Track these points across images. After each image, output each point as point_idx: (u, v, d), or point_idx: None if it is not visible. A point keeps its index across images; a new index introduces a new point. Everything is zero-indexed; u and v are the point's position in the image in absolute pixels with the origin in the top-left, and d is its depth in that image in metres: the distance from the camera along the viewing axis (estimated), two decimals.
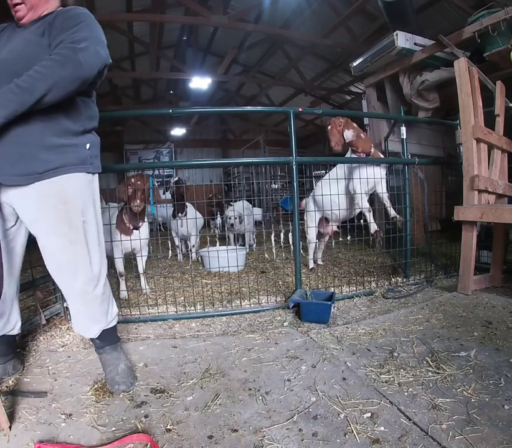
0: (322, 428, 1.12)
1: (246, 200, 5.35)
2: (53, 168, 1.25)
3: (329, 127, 2.84)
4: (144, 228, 2.75)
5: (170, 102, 9.42)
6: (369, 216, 2.76)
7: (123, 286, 2.76)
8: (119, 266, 2.74)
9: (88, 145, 1.34)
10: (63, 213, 1.28)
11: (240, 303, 2.44)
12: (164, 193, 5.27)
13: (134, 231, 2.66)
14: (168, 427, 1.16)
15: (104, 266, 1.41)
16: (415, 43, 3.61)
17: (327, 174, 3.16)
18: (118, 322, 2.17)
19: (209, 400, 1.31)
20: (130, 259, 3.07)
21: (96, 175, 1.42)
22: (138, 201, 2.52)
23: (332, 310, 2.16)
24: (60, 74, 1.12)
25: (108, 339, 1.47)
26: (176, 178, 3.90)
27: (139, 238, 2.59)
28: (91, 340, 1.48)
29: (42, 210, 1.27)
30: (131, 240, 2.60)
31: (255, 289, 2.76)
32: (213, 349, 1.75)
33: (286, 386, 1.38)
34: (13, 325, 1.48)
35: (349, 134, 2.76)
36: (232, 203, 4.96)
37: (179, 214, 3.96)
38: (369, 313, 2.24)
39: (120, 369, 1.41)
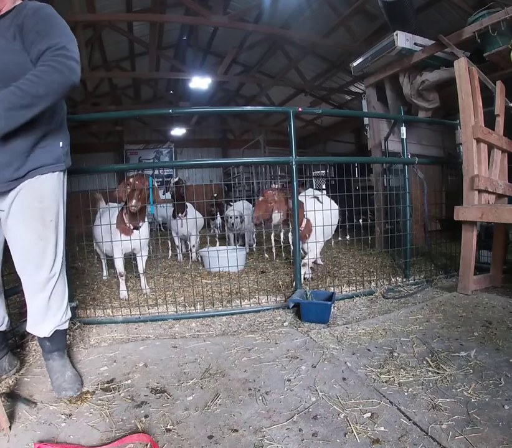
0: (322, 428, 1.12)
1: (246, 200, 5.35)
2: (32, 169, 1.30)
3: (260, 199, 2.83)
4: (144, 228, 2.75)
5: (170, 102, 9.42)
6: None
7: (122, 286, 2.75)
8: (119, 265, 2.74)
9: (61, 143, 1.38)
10: (37, 212, 1.33)
11: (240, 303, 2.44)
12: (164, 194, 5.26)
13: (135, 231, 2.66)
14: (168, 427, 1.16)
15: (62, 266, 1.44)
16: (415, 43, 3.61)
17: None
18: (118, 322, 2.20)
19: (209, 400, 1.31)
20: (130, 259, 3.07)
21: (66, 170, 1.46)
22: (134, 201, 2.51)
23: (332, 310, 2.16)
24: (59, 82, 1.16)
25: (58, 342, 1.48)
26: (176, 179, 3.90)
27: (139, 238, 2.59)
28: (41, 342, 1.47)
29: (18, 207, 1.32)
30: (131, 240, 2.61)
31: (255, 288, 2.76)
32: (213, 349, 1.75)
33: (286, 386, 1.38)
34: (1, 321, 1.49)
35: (276, 217, 2.80)
36: (231, 203, 4.96)
37: (179, 215, 3.96)
38: (369, 313, 2.24)
39: (67, 376, 1.40)
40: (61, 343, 1.50)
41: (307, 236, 2.86)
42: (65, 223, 1.46)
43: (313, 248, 2.92)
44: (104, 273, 3.51)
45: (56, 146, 1.36)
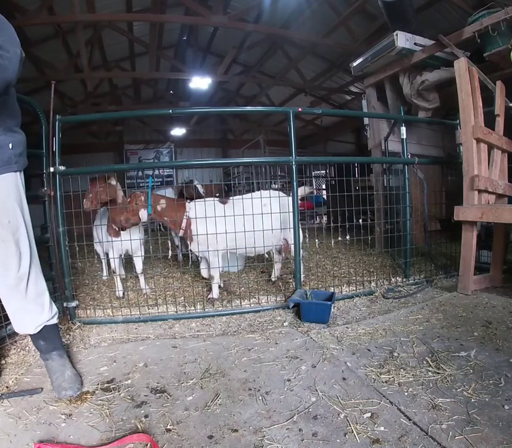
0: (322, 428, 1.12)
1: None
2: None
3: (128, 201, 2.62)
4: (135, 229, 2.72)
5: (171, 102, 9.42)
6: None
7: (119, 285, 2.78)
8: (115, 265, 2.78)
9: (10, 145, 1.37)
10: None
11: (240, 303, 2.44)
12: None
13: (122, 231, 2.64)
14: (168, 427, 1.16)
15: (34, 263, 1.44)
16: (415, 43, 3.61)
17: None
18: (118, 322, 2.20)
19: (209, 400, 1.31)
20: (130, 259, 3.07)
21: (22, 171, 1.46)
22: (85, 200, 2.51)
23: (332, 310, 2.16)
24: None
25: (53, 340, 1.49)
26: (188, 180, 3.90)
27: (130, 239, 2.55)
28: (36, 343, 1.48)
29: None
30: (121, 241, 2.61)
31: (255, 288, 2.76)
32: (213, 349, 1.75)
33: (286, 386, 1.38)
34: None
35: (144, 214, 2.54)
36: None
37: None
38: (369, 313, 2.24)
39: (66, 376, 1.42)
40: (55, 341, 1.51)
41: (191, 238, 2.58)
42: (27, 225, 1.44)
43: (212, 257, 2.59)
44: (104, 273, 3.51)
45: (5, 148, 1.36)
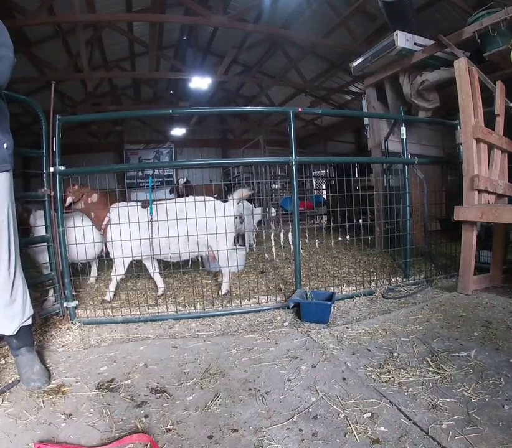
0: (322, 428, 1.12)
1: (246, 200, 5.34)
2: None
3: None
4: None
5: (171, 102, 9.43)
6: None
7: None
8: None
9: (5, 145, 1.40)
10: None
11: (240, 303, 2.44)
12: (170, 193, 5.25)
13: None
14: (168, 427, 1.16)
15: (18, 264, 1.45)
16: (415, 43, 3.61)
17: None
18: (118, 322, 2.20)
19: (209, 400, 1.31)
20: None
21: (11, 171, 1.47)
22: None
23: (332, 310, 2.16)
24: None
25: (25, 338, 1.51)
26: (185, 179, 3.89)
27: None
28: (8, 340, 1.50)
29: None
30: (94, 243, 2.56)
31: (255, 288, 2.76)
32: (213, 349, 1.75)
33: (286, 386, 1.38)
34: None
35: (68, 201, 2.52)
36: None
37: None
38: (369, 313, 2.24)
39: (35, 370, 1.46)
40: (27, 338, 1.53)
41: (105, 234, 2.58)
42: (15, 221, 1.46)
43: (117, 261, 2.53)
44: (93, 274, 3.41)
45: (1, 148, 1.38)
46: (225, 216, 2.50)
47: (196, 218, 2.40)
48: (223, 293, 2.68)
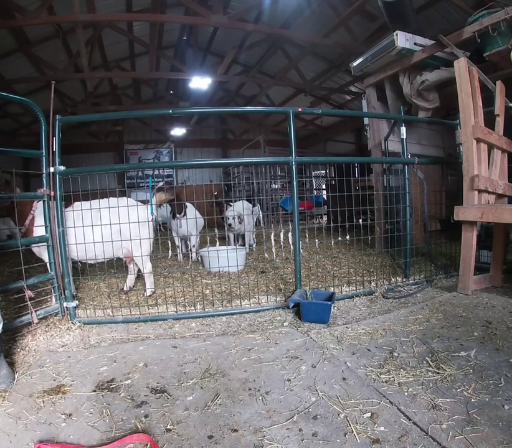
0: (322, 428, 1.12)
1: (246, 200, 5.35)
2: None
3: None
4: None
5: (170, 102, 9.42)
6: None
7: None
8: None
9: None
10: None
11: (240, 303, 2.44)
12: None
13: None
14: (168, 427, 1.16)
15: None
16: (415, 43, 3.61)
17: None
18: (118, 322, 2.20)
19: (209, 400, 1.31)
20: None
21: None
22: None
23: (332, 310, 2.16)
24: None
25: None
26: (162, 183, 3.86)
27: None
28: None
29: None
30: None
31: (255, 288, 2.76)
32: (213, 349, 1.75)
33: (286, 386, 1.38)
34: None
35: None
36: (231, 203, 4.96)
37: (178, 215, 3.96)
38: (369, 313, 2.24)
39: (1, 373, 1.49)
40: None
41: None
42: None
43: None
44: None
45: None
46: (139, 221, 2.44)
47: (111, 224, 2.38)
48: (147, 294, 2.75)
